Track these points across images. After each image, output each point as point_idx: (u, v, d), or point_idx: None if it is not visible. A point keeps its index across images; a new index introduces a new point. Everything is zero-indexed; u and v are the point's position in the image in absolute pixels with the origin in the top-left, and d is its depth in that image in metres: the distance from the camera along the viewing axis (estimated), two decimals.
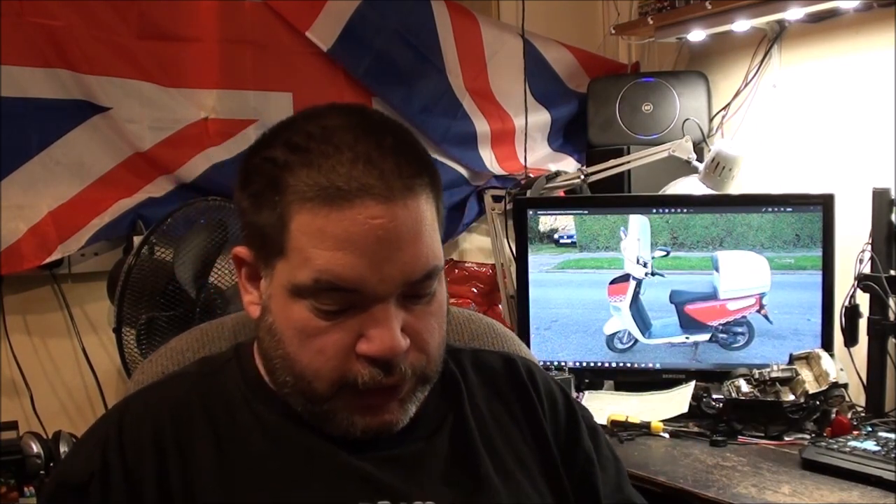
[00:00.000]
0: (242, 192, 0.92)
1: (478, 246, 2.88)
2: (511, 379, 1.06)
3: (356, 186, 0.85)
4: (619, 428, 1.91)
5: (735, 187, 2.27)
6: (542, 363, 2.11)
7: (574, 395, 2.02)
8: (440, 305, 0.93)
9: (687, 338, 2.11)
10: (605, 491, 1.04)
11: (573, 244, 2.17)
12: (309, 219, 0.86)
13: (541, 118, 2.80)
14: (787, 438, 1.82)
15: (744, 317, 2.09)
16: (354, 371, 0.88)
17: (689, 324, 2.11)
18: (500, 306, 2.64)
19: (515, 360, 1.09)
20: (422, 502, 0.91)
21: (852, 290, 1.99)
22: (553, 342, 2.18)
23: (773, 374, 1.87)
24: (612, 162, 2.38)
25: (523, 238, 2.20)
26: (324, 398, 0.89)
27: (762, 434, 1.84)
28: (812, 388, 1.82)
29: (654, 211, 2.12)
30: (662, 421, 1.92)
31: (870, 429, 1.80)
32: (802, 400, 1.83)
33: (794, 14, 2.24)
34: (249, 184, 0.91)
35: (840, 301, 2.00)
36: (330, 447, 0.92)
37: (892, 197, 1.97)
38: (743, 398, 1.87)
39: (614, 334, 2.15)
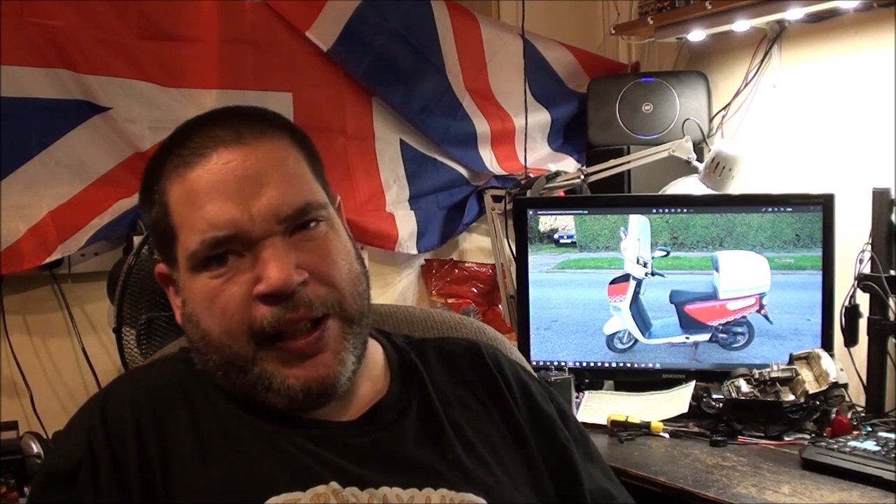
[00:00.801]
0: (141, 208, 1.00)
1: (478, 246, 2.88)
2: (475, 364, 1.06)
3: (209, 144, 0.91)
4: (619, 428, 1.91)
5: (735, 187, 2.27)
6: (542, 363, 2.13)
7: (574, 395, 2.02)
8: (342, 246, 0.95)
9: (687, 338, 2.11)
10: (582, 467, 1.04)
11: (573, 244, 2.17)
12: (179, 188, 0.92)
13: (541, 118, 2.80)
14: (787, 438, 1.82)
15: (744, 317, 2.09)
16: (259, 316, 0.89)
17: (689, 324, 2.11)
18: (500, 306, 2.65)
19: (479, 346, 1.09)
20: (388, 488, 0.91)
21: (852, 290, 1.99)
22: (553, 342, 2.18)
23: (773, 374, 1.87)
24: (612, 162, 2.38)
25: (523, 238, 2.20)
26: (248, 359, 0.91)
27: (762, 434, 1.84)
28: (812, 388, 1.82)
29: (654, 211, 2.12)
30: (662, 421, 1.92)
31: (870, 429, 1.80)
32: (802, 400, 1.83)
33: (794, 14, 2.24)
34: (141, 197, 0.98)
35: (840, 301, 2.00)
36: (298, 435, 0.93)
37: (892, 197, 1.97)
38: (743, 398, 1.87)
39: (614, 334, 2.15)
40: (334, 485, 0.89)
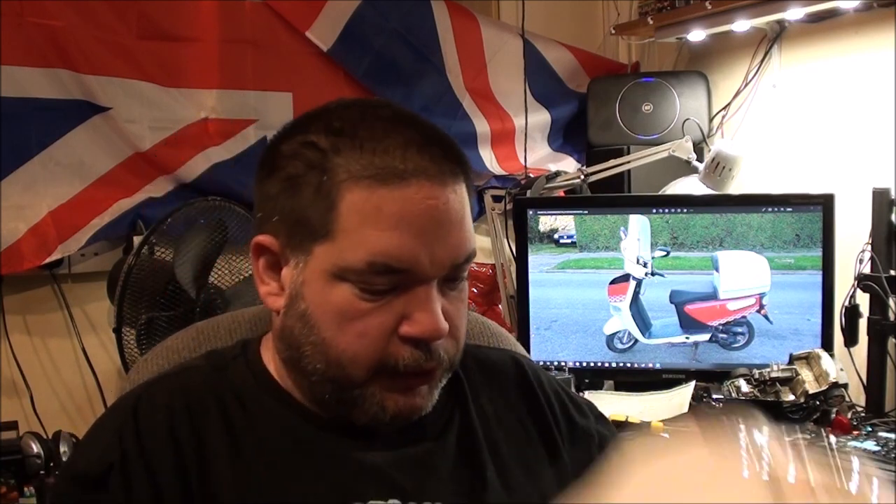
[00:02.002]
0: (271, 178, 0.90)
1: (478, 246, 2.87)
2: (517, 379, 1.06)
3: (412, 167, 0.86)
4: (619, 428, 1.91)
5: (735, 187, 2.27)
6: (541, 363, 2.13)
7: None
8: (466, 293, 0.95)
9: (687, 338, 2.11)
10: None
11: (573, 244, 2.17)
12: (363, 197, 0.86)
13: (541, 118, 2.80)
14: (786, 438, 1.81)
15: (744, 317, 2.09)
16: (395, 354, 0.88)
17: (689, 324, 2.11)
18: (500, 306, 2.64)
19: (521, 361, 1.09)
20: (431, 502, 0.90)
21: (852, 290, 1.99)
22: (553, 342, 2.18)
23: (773, 374, 1.87)
24: (612, 162, 2.38)
25: (523, 238, 2.20)
26: (357, 383, 0.89)
27: None
28: (812, 388, 1.82)
29: (654, 211, 2.12)
30: (662, 421, 1.92)
31: (870, 429, 1.80)
32: (802, 400, 1.83)
33: (794, 14, 2.24)
34: (281, 168, 0.90)
35: (840, 301, 2.00)
36: (342, 443, 0.92)
37: (892, 197, 1.97)
38: (743, 398, 1.86)
39: (614, 334, 2.15)
40: (373, 503, 0.89)
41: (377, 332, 0.87)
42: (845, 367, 1.90)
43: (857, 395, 1.97)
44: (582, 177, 2.37)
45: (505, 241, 2.49)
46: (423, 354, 0.88)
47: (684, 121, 2.49)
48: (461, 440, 0.97)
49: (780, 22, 2.37)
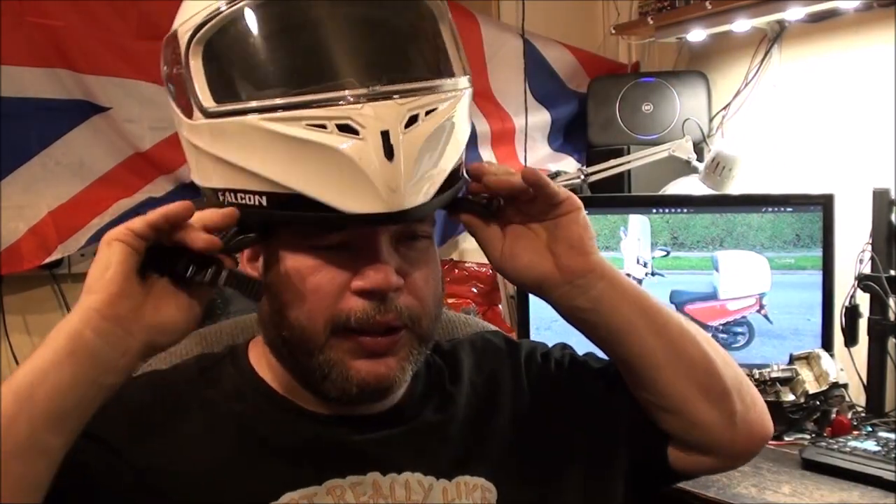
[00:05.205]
0: None
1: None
2: (510, 357, 1.10)
3: None
4: None
5: (735, 187, 2.27)
6: None
7: None
8: (435, 264, 0.97)
9: None
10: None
11: None
12: None
13: (541, 118, 2.80)
14: (787, 438, 1.82)
15: (744, 317, 2.09)
16: (348, 307, 0.89)
17: None
18: (500, 306, 2.65)
19: (512, 340, 1.14)
20: (411, 473, 0.94)
21: (852, 290, 1.99)
22: (553, 342, 2.17)
23: (773, 374, 1.87)
24: (612, 162, 2.38)
25: None
26: (318, 345, 0.90)
27: None
28: (812, 388, 1.82)
29: (654, 211, 2.12)
30: None
31: (870, 429, 1.81)
32: (802, 400, 1.83)
33: (794, 14, 2.24)
34: None
35: (840, 301, 2.00)
36: (322, 428, 0.95)
37: (892, 197, 1.97)
38: None
39: None
40: (351, 478, 0.91)
41: (330, 285, 0.89)
42: (845, 367, 1.90)
43: (857, 395, 1.97)
44: (582, 177, 2.37)
45: None
46: (376, 306, 0.89)
47: (684, 121, 2.49)
48: (438, 419, 1.00)
49: (780, 22, 2.37)
